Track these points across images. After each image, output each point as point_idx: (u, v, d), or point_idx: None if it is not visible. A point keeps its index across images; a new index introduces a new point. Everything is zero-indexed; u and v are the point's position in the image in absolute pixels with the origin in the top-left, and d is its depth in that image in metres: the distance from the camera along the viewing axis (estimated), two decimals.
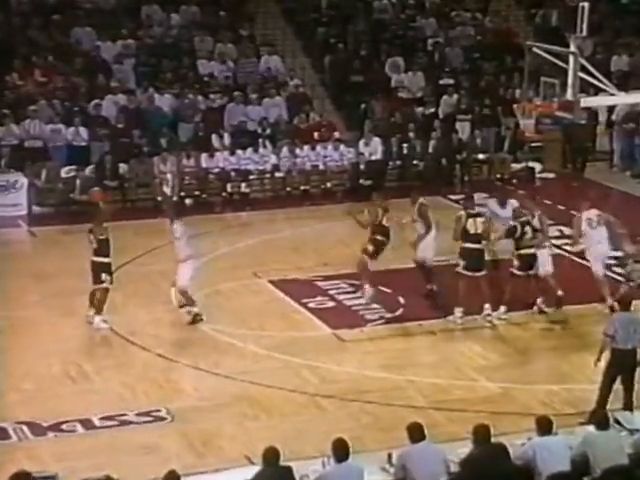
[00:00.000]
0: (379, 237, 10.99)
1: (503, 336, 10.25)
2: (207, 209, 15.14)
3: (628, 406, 8.14)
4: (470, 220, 10.63)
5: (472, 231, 10.59)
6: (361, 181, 16.05)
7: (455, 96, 17.44)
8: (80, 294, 10.97)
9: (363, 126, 16.96)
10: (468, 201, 11.19)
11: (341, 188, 16.13)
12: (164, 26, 18.07)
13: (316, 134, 16.77)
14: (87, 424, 8.45)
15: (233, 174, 15.93)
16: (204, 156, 15.91)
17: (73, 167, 15.36)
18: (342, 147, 16.47)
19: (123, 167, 15.66)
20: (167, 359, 9.75)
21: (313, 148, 16.38)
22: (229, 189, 15.82)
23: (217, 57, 17.80)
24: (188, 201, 15.59)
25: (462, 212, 10.79)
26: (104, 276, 10.41)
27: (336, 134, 16.81)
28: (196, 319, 10.49)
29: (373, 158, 16.35)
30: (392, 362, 9.62)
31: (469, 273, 10.44)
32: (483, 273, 10.42)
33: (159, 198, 15.38)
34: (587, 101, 12.23)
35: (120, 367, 9.61)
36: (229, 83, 17.44)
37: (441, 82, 17.92)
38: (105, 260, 10.50)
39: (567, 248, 12.82)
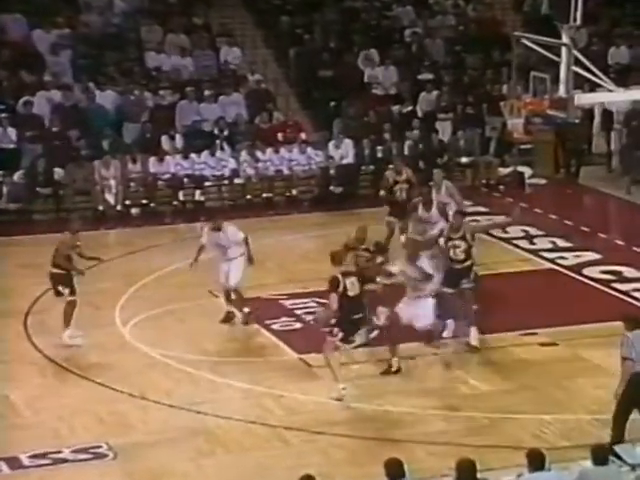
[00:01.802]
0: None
1: (488, 361, 10.37)
2: (157, 220, 15.18)
3: None
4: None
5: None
6: (331, 188, 16.20)
7: (435, 93, 17.69)
8: (3, 316, 10.90)
9: (333, 126, 17.13)
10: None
11: (308, 196, 16.26)
12: (106, 13, 18.10)
13: (280, 135, 16.88)
14: (14, 463, 8.38)
15: (186, 180, 15.98)
16: (152, 160, 15.94)
17: None
18: (309, 150, 16.60)
19: (58, 172, 15.62)
20: (109, 388, 9.73)
21: (277, 151, 16.48)
22: (181, 197, 15.86)
23: (167, 49, 17.86)
24: (134, 211, 15.59)
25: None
26: (61, 288, 10.48)
27: (302, 135, 16.93)
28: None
29: (344, 162, 16.49)
30: (365, 391, 9.68)
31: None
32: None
33: (100, 207, 15.35)
34: (582, 98, 12.49)
35: (54, 398, 9.57)
36: (181, 78, 17.50)
37: (420, 77, 18.16)
38: (61, 272, 10.58)
39: (561, 262, 13.07)
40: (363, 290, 9.52)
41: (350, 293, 9.43)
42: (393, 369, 9.99)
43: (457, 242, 10.51)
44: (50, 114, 16.16)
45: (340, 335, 9.41)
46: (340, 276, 9.46)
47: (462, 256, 10.52)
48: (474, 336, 10.50)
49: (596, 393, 8.77)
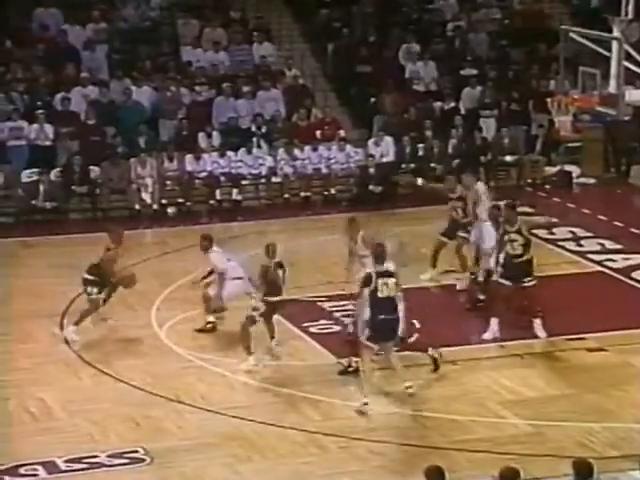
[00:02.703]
0: None
1: (533, 367, 10.32)
2: (192, 219, 15.27)
3: None
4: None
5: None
6: (370, 187, 16.21)
7: (479, 89, 17.63)
8: (38, 317, 11.06)
9: (372, 123, 17.15)
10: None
11: (347, 195, 16.30)
12: (142, 7, 18.30)
13: (318, 133, 16.95)
14: (50, 467, 8.50)
15: (223, 179, 16.09)
16: (189, 158, 16.06)
17: (35, 170, 15.49)
18: (348, 148, 16.65)
19: (94, 170, 15.81)
20: (145, 392, 9.84)
21: (315, 149, 16.55)
22: (218, 196, 15.95)
23: (204, 43, 17.99)
24: (170, 210, 15.73)
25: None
26: (90, 289, 10.79)
27: (341, 133, 16.99)
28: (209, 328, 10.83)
29: (384, 160, 16.51)
30: (406, 396, 9.67)
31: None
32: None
33: (137, 206, 15.53)
34: (633, 94, 12.37)
35: (89, 401, 9.68)
36: (217, 73, 17.62)
37: (462, 73, 18.11)
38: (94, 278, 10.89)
39: (610, 265, 12.96)
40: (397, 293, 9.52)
41: (379, 294, 9.47)
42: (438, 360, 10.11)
43: (513, 236, 10.57)
44: (86, 111, 16.35)
45: (367, 333, 9.44)
46: (374, 275, 9.49)
47: (520, 250, 10.58)
48: (539, 327, 10.57)
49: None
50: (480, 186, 12.02)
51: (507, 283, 10.65)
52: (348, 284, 10.87)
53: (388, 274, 9.51)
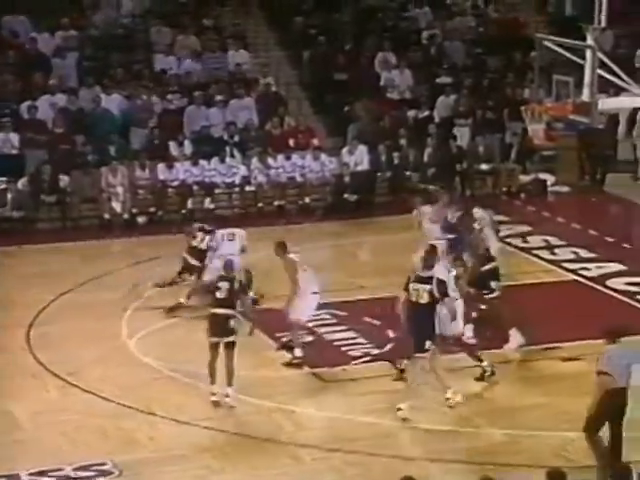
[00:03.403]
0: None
1: (508, 376, 10.39)
2: (164, 229, 15.22)
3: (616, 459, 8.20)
4: None
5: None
6: (345, 196, 16.26)
7: (453, 97, 17.75)
8: (5, 328, 10.97)
9: (347, 132, 17.21)
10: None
11: (322, 204, 16.33)
12: (113, 14, 18.26)
13: (292, 141, 16.97)
14: None
15: (195, 188, 16.07)
16: (161, 166, 16.04)
17: (3, 179, 15.39)
18: (323, 156, 16.67)
19: (64, 179, 15.73)
20: (115, 403, 9.80)
21: (289, 158, 16.56)
22: (190, 205, 15.95)
23: (177, 51, 17.99)
24: (142, 219, 15.68)
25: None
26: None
27: (315, 141, 17.02)
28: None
29: (359, 169, 16.55)
30: (380, 405, 9.72)
31: None
32: None
33: (106, 216, 15.46)
34: (606, 103, 12.51)
35: (57, 413, 9.62)
36: (190, 81, 17.61)
37: (438, 81, 18.24)
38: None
39: (584, 274, 13.07)
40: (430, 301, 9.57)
41: (412, 298, 9.61)
42: (487, 373, 10.12)
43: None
44: (54, 119, 16.27)
45: (411, 343, 9.55)
46: (411, 278, 9.63)
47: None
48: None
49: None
50: (425, 209, 12.11)
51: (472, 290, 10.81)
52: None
53: (423, 280, 9.59)
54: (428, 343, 9.51)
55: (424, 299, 9.58)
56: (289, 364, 10.55)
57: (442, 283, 9.68)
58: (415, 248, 11.60)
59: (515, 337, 10.78)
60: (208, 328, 9.81)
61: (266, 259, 12.63)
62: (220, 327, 9.74)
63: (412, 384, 9.61)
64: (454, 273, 10.37)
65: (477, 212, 11.83)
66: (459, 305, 10.18)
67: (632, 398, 8.30)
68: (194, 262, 12.08)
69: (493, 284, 10.87)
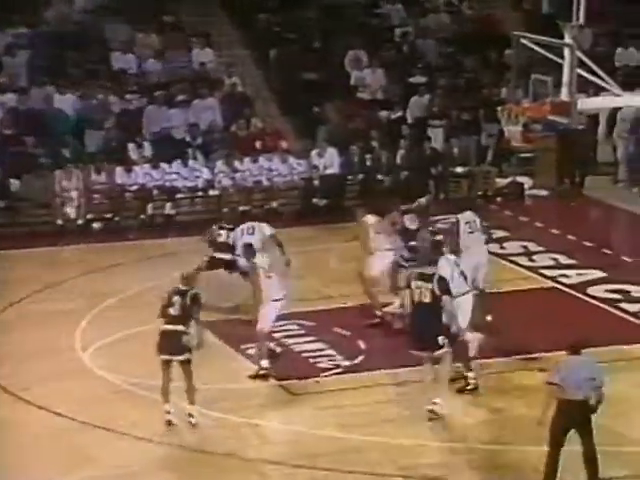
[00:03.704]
0: None
1: (483, 388, 10.42)
2: (121, 235, 15.21)
3: (593, 475, 8.30)
4: None
5: None
6: (315, 200, 16.30)
7: (427, 97, 17.87)
8: None
9: (316, 134, 17.26)
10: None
11: (290, 209, 16.36)
12: (67, 10, 18.18)
13: (259, 143, 16.99)
14: None
15: (155, 192, 16.04)
16: (118, 170, 15.99)
17: None
18: (291, 159, 16.72)
19: (14, 183, 15.63)
20: (70, 419, 9.75)
21: (255, 161, 16.57)
22: (150, 211, 15.91)
23: (135, 49, 17.96)
24: (97, 225, 15.61)
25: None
26: None
27: (283, 144, 17.05)
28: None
29: (329, 172, 16.61)
30: (351, 420, 9.74)
31: None
32: None
33: (60, 221, 15.37)
34: (586, 103, 12.67)
35: (7, 430, 9.56)
36: (150, 81, 17.60)
37: (411, 80, 18.36)
38: None
39: (563, 281, 13.20)
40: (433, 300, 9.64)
41: (415, 297, 9.66)
42: (469, 387, 10.13)
43: None
44: (2, 119, 16.18)
45: (411, 341, 9.62)
46: (414, 275, 9.70)
47: None
48: None
49: (602, 422, 8.84)
50: (369, 218, 12.21)
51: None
52: None
53: (426, 278, 9.65)
54: (441, 338, 9.57)
55: (427, 298, 9.62)
56: (255, 376, 10.54)
57: (443, 280, 9.71)
58: (363, 264, 11.78)
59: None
60: (158, 345, 9.61)
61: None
62: (172, 345, 9.57)
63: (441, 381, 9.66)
64: (461, 268, 10.35)
65: (467, 215, 11.92)
66: (465, 303, 10.20)
67: None
68: (225, 256, 12.08)
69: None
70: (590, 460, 8.39)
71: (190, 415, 9.59)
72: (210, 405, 9.93)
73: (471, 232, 11.73)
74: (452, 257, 10.44)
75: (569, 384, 8.29)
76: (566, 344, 8.54)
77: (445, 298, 9.65)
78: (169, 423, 9.56)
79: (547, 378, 8.47)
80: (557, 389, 8.33)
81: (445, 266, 10.19)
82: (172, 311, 9.60)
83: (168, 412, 9.60)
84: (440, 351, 9.63)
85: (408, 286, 9.79)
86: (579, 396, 8.30)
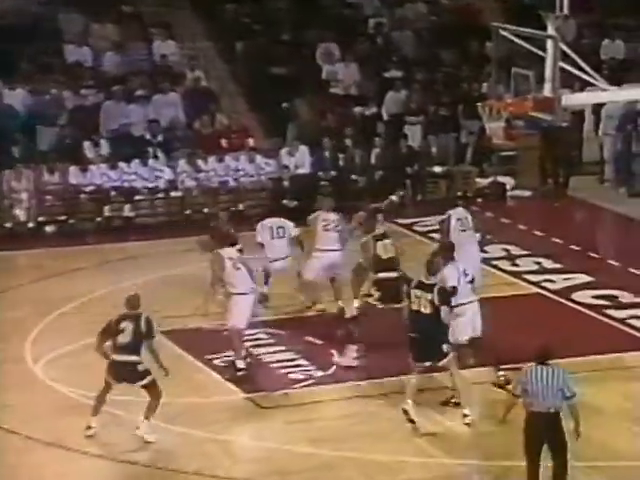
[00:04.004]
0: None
1: (464, 400, 10.42)
2: (77, 239, 15.11)
3: None
4: (379, 244, 11.30)
5: (384, 256, 11.18)
6: (284, 201, 16.26)
7: (404, 92, 17.93)
8: None
9: (286, 131, 17.24)
10: (369, 221, 11.70)
11: (258, 210, 16.25)
12: (16, 0, 18.02)
13: (224, 142, 16.96)
14: None
15: (113, 193, 15.96)
16: (73, 170, 15.89)
17: None
18: (259, 158, 16.70)
19: None
20: (20, 435, 9.64)
21: (221, 160, 16.55)
22: (107, 213, 15.84)
23: (91, 41, 17.87)
24: (50, 228, 15.52)
25: (368, 237, 11.46)
26: None
27: (251, 142, 17.04)
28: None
29: (299, 172, 16.62)
30: (324, 434, 9.72)
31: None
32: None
33: (8, 224, 15.23)
34: (570, 98, 12.75)
35: None
36: (107, 75, 17.52)
37: (386, 75, 18.41)
38: None
39: (548, 286, 13.26)
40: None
41: (413, 306, 9.75)
42: (454, 399, 10.13)
43: None
44: None
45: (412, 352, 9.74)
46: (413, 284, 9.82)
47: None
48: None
49: (589, 435, 8.87)
50: (323, 215, 12.27)
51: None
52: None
53: (425, 288, 9.72)
54: (446, 346, 9.67)
55: (427, 309, 9.70)
56: (232, 379, 10.45)
57: (444, 291, 9.78)
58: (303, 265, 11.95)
59: (348, 357, 10.84)
60: (111, 373, 9.38)
61: (194, 274, 12.58)
62: (127, 374, 9.38)
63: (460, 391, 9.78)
64: (469, 277, 10.40)
65: (459, 212, 11.89)
66: (469, 311, 10.26)
67: None
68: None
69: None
70: (558, 477, 8.36)
71: (137, 428, 9.43)
72: (174, 420, 9.87)
73: (463, 230, 11.76)
74: (460, 265, 10.43)
75: (536, 395, 8.27)
76: (532, 352, 8.50)
77: (443, 308, 9.71)
78: (88, 438, 9.41)
79: (514, 389, 8.49)
80: (524, 400, 8.33)
81: (453, 275, 10.21)
82: (121, 339, 9.32)
83: (89, 427, 9.45)
84: (445, 360, 9.72)
85: (407, 295, 9.88)
86: (545, 408, 8.27)
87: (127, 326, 9.33)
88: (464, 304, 10.33)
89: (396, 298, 10.86)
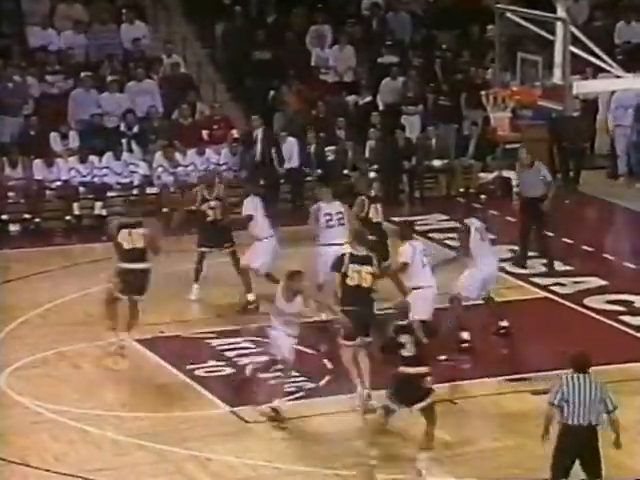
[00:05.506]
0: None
1: (468, 414, 10.48)
2: (43, 239, 15.11)
3: None
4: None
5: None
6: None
7: (401, 80, 17.97)
8: None
9: (272, 122, 17.25)
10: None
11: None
12: None
13: (205, 133, 16.99)
14: None
15: (82, 190, 15.98)
16: (38, 164, 15.90)
17: None
18: (243, 151, 16.67)
19: None
20: None
21: (201, 153, 16.58)
22: (76, 211, 15.83)
23: (57, 23, 17.88)
24: (14, 228, 15.50)
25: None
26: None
27: (234, 133, 17.05)
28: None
29: (287, 166, 16.62)
30: (314, 451, 9.74)
31: None
32: None
33: None
34: (581, 86, 12.82)
35: None
36: (75, 60, 17.51)
37: (381, 60, 18.46)
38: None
39: (558, 290, 13.31)
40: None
41: (352, 282, 10.16)
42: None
43: None
44: None
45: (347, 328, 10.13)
46: (347, 257, 10.31)
47: None
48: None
49: (603, 451, 8.90)
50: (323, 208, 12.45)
51: None
52: None
53: (359, 260, 10.13)
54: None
55: (367, 283, 10.10)
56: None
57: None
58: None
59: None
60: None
61: (172, 277, 12.59)
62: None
63: None
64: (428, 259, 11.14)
65: (474, 222, 12.03)
66: (424, 296, 10.72)
67: None
68: None
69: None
70: None
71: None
72: (150, 437, 9.87)
73: (482, 240, 11.89)
74: (419, 245, 11.10)
75: (577, 406, 8.29)
76: (570, 359, 8.54)
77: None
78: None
79: (547, 398, 8.47)
80: (558, 411, 8.34)
81: (407, 252, 10.86)
82: None
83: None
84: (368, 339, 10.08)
85: (339, 269, 10.23)
86: (586, 421, 8.30)
87: None
88: (423, 287, 10.85)
89: None
